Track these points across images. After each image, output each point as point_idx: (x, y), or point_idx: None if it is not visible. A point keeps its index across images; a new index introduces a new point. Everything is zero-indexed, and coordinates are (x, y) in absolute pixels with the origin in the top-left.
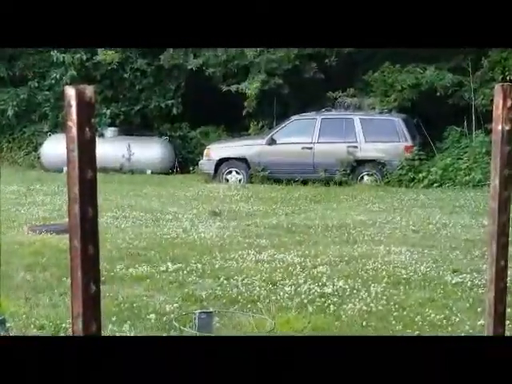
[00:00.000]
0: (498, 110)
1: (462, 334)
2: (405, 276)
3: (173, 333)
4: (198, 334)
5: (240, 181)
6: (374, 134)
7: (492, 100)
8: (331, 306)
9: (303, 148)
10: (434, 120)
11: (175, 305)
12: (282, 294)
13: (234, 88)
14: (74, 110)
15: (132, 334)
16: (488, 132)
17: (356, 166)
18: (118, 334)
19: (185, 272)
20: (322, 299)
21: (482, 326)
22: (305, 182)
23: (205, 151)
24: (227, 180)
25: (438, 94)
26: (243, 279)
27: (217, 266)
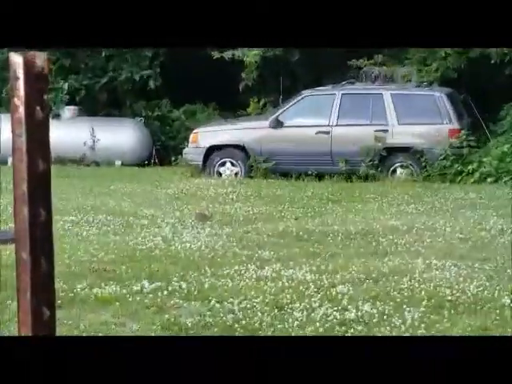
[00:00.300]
0: None
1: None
2: (450, 297)
3: None
4: None
5: (236, 175)
6: (409, 113)
7: None
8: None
9: (318, 132)
10: (487, 96)
11: (153, 335)
12: (290, 320)
13: (228, 55)
14: (21, 83)
15: None
16: None
17: (386, 156)
18: None
19: (165, 293)
20: (343, 328)
21: None
22: (320, 177)
23: (191, 136)
24: (220, 174)
25: (493, 61)
26: (240, 302)
27: (206, 286)
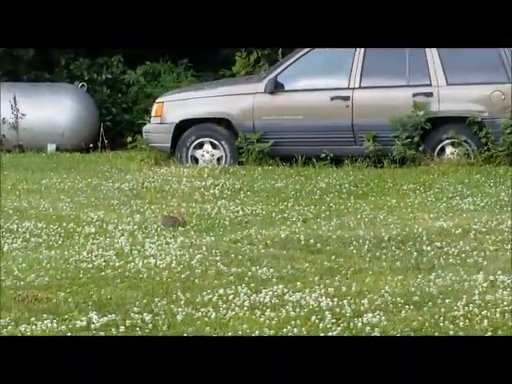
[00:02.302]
0: None
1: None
2: None
3: None
4: None
5: (219, 160)
6: (462, 69)
7: None
8: None
9: (334, 98)
10: None
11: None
12: None
13: None
14: None
15: None
16: None
17: (431, 130)
18: None
19: (121, 329)
20: None
21: None
22: (338, 161)
23: (154, 107)
24: (196, 160)
25: None
26: None
27: (180, 318)
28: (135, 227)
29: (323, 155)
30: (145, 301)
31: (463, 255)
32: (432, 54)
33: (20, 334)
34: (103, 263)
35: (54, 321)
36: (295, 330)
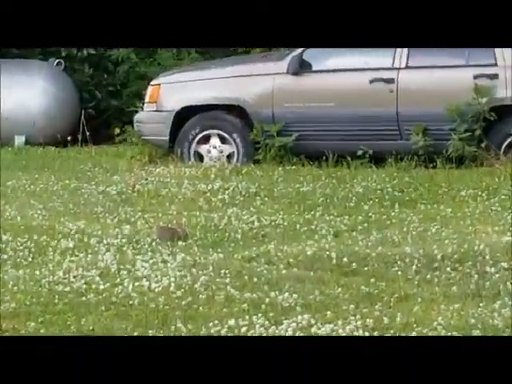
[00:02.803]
0: None
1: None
2: None
3: None
4: None
5: (230, 158)
6: None
7: None
8: None
9: (374, 81)
10: None
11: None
12: None
13: None
14: None
15: None
16: None
17: (496, 121)
18: None
19: None
20: None
21: None
22: (379, 160)
23: (148, 91)
24: (200, 157)
25: None
26: None
27: None
28: (124, 241)
29: (360, 152)
30: (136, 333)
31: None
32: None
33: None
34: (84, 286)
35: None
36: None
